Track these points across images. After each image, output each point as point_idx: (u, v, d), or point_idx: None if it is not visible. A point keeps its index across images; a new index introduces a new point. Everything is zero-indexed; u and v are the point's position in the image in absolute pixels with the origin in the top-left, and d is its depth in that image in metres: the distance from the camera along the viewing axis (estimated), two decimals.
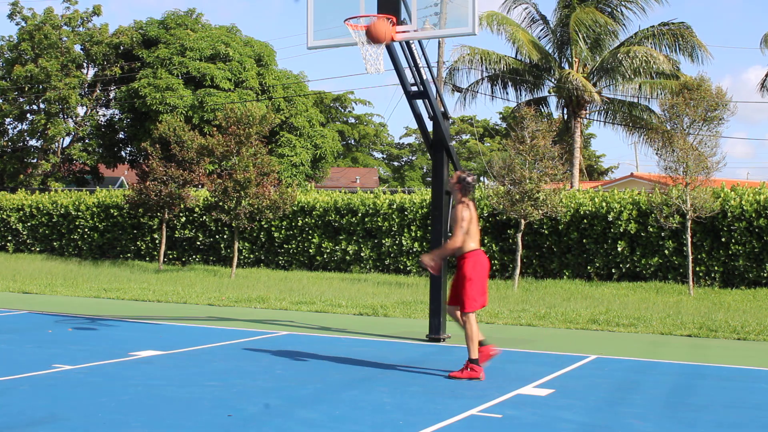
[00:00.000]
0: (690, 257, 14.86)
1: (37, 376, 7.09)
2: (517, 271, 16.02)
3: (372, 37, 8.23)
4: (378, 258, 19.25)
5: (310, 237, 19.93)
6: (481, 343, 7.38)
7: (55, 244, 23.31)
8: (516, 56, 28.15)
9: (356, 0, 9.01)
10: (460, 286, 7.35)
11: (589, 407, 6.23)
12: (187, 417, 5.76)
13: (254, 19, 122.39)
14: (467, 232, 7.35)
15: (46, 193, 25.00)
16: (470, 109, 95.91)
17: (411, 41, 9.21)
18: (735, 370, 7.98)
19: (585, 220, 17.00)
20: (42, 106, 30.49)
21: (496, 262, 17.76)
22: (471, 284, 7.27)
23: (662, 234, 16.28)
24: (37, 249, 23.56)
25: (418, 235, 18.70)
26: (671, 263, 16.31)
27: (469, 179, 7.50)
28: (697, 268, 16.00)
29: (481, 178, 56.51)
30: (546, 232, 17.32)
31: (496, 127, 62.49)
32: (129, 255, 22.25)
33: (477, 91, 29.20)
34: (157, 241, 21.64)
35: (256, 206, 17.83)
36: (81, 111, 31.30)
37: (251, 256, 20.70)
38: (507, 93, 29.37)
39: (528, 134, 15.85)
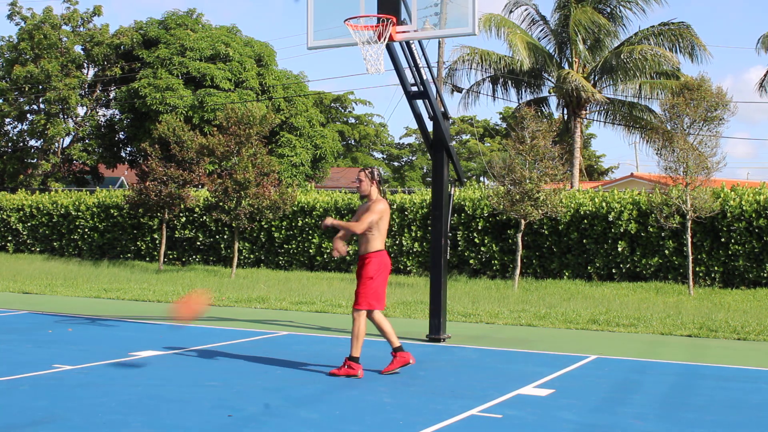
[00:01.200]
0: (690, 257, 14.86)
1: (37, 376, 7.09)
2: (517, 271, 16.02)
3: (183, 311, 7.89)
4: None
5: (310, 237, 19.93)
6: (399, 349, 7.39)
7: (55, 244, 23.31)
8: (513, 57, 28.16)
9: (356, 0, 9.01)
10: (359, 283, 7.32)
11: (589, 407, 6.23)
12: (187, 417, 5.76)
13: (257, 19, 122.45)
14: (379, 229, 7.26)
15: (46, 193, 25.01)
16: (470, 110, 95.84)
17: (411, 41, 9.21)
18: (735, 370, 7.98)
19: (585, 220, 17.00)
20: (42, 106, 30.49)
21: (496, 262, 17.76)
22: (371, 283, 7.24)
23: (662, 234, 16.28)
24: (37, 249, 23.56)
25: (418, 235, 18.70)
26: (671, 263, 16.30)
27: (382, 173, 7.49)
28: (697, 268, 16.00)
29: (481, 178, 56.48)
30: (546, 232, 17.32)
31: (497, 127, 62.49)
32: (129, 255, 22.25)
33: (477, 92, 29.21)
34: (157, 241, 21.64)
35: (256, 206, 17.84)
36: (81, 111, 31.31)
37: (251, 256, 20.70)
38: (507, 93, 29.40)
39: (528, 134, 15.85)
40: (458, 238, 18.14)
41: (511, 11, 28.88)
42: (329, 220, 7.19)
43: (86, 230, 22.75)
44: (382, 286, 7.31)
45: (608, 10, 27.99)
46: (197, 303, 7.84)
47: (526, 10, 29.02)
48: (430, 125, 9.79)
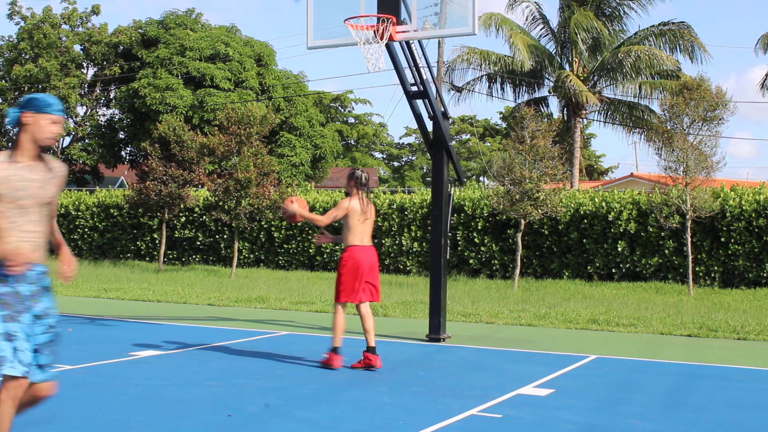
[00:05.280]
0: (690, 257, 14.86)
1: None
2: (517, 271, 16.02)
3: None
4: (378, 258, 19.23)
5: (310, 237, 19.93)
6: (335, 350, 7.55)
7: None
8: (513, 57, 28.18)
9: (356, 0, 9.01)
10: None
11: (589, 407, 6.23)
12: (187, 417, 5.76)
13: (258, 19, 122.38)
14: (346, 225, 7.57)
15: None
16: (470, 109, 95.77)
17: (411, 41, 9.21)
18: (735, 370, 7.98)
19: (585, 220, 17.00)
20: None
21: (496, 261, 17.76)
22: (338, 277, 7.60)
23: (662, 234, 16.28)
24: None
25: (418, 235, 18.70)
26: (671, 263, 16.30)
27: (359, 174, 7.69)
28: (697, 268, 16.00)
29: (481, 178, 56.45)
30: (546, 232, 17.31)
31: (496, 127, 62.47)
32: (129, 255, 22.24)
33: (477, 91, 29.21)
34: (157, 241, 21.63)
35: (256, 206, 17.84)
36: (81, 111, 31.30)
37: (251, 256, 20.70)
38: (507, 93, 29.40)
39: (528, 134, 15.85)
40: (458, 238, 18.14)
41: (512, 7, 28.87)
42: (294, 209, 7.61)
43: (86, 230, 22.74)
44: (349, 280, 7.50)
45: (609, 10, 27.99)
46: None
47: (527, 7, 29.00)
48: (430, 125, 9.78)
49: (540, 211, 15.63)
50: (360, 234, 7.59)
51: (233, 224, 18.43)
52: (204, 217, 21.02)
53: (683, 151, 14.63)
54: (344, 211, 7.57)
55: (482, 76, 28.94)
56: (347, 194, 7.76)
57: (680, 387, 7.12)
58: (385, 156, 67.81)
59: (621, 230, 16.60)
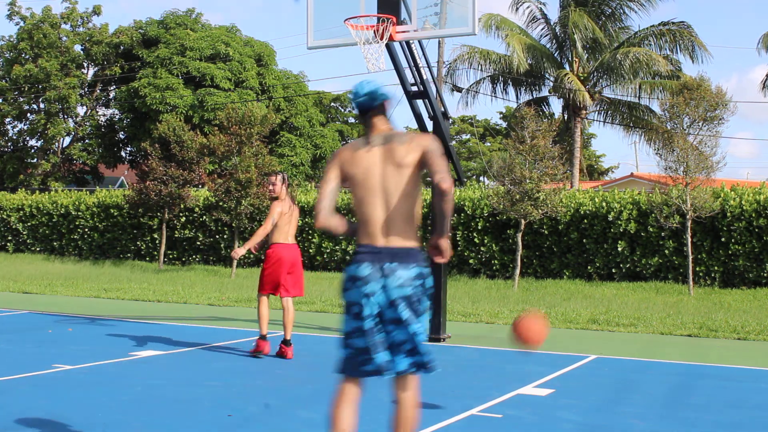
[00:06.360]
0: (690, 257, 14.86)
1: (37, 376, 7.09)
2: (517, 271, 16.01)
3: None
4: None
5: (310, 237, 19.92)
6: (263, 338, 8.26)
7: (55, 244, 23.29)
8: (510, 57, 28.18)
9: (356, 0, 9.01)
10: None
11: (589, 407, 6.23)
12: (187, 417, 5.76)
13: (259, 18, 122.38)
14: (276, 225, 8.13)
15: (46, 193, 24.99)
16: (470, 109, 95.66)
17: (411, 41, 9.21)
18: (735, 370, 7.98)
19: (585, 220, 16.99)
20: (42, 105, 30.48)
21: (496, 262, 17.75)
22: (262, 271, 8.18)
23: (662, 234, 16.27)
24: (37, 249, 23.55)
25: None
26: (671, 263, 16.30)
27: (286, 176, 8.52)
28: (697, 268, 15.99)
29: (481, 178, 56.40)
30: (546, 232, 17.31)
31: (497, 127, 62.43)
32: (129, 255, 22.23)
33: (477, 91, 29.20)
34: (157, 241, 21.63)
35: (256, 206, 17.85)
36: (81, 111, 31.31)
37: (251, 256, 20.68)
38: (507, 92, 29.38)
39: (528, 134, 15.85)
40: (458, 238, 18.14)
41: (515, 7, 28.87)
42: (238, 252, 8.16)
43: (86, 230, 22.74)
44: (272, 274, 8.08)
45: (609, 10, 27.97)
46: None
47: (528, 7, 29.00)
48: (430, 125, 9.79)
49: (540, 211, 15.63)
50: (284, 233, 8.15)
51: (233, 224, 18.43)
52: (204, 217, 21.01)
53: (683, 151, 14.62)
54: (279, 215, 8.14)
55: (484, 78, 28.92)
56: (274, 199, 8.31)
57: (680, 387, 7.12)
58: None
59: (621, 230, 16.59)
